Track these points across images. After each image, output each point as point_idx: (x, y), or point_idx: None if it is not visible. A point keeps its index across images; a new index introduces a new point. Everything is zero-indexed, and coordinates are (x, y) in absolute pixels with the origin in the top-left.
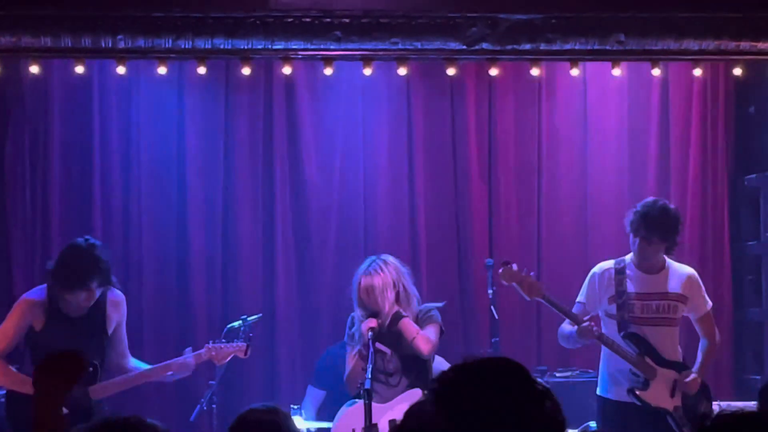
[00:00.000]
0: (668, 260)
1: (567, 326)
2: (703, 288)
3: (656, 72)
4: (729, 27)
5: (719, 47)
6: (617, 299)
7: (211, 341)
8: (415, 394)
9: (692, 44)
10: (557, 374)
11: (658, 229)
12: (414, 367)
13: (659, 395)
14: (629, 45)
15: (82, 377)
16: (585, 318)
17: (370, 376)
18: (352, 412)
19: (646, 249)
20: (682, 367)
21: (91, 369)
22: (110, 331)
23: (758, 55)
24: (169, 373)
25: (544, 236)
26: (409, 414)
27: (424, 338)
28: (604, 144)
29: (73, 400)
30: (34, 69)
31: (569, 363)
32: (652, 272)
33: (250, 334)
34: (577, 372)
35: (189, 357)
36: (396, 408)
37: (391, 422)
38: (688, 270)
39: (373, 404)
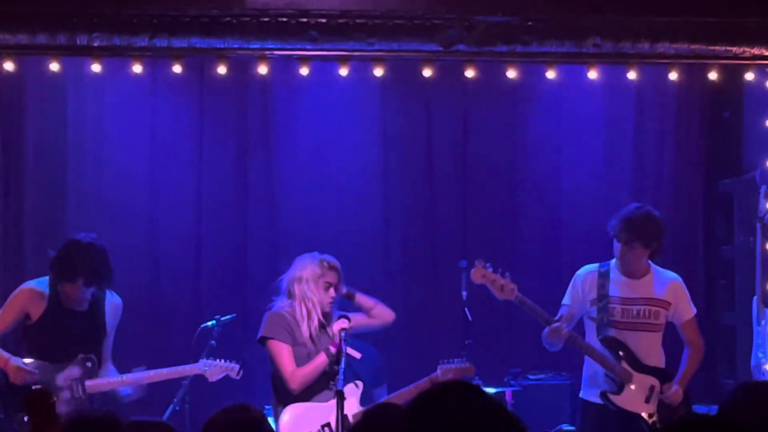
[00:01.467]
0: (653, 265)
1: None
2: (688, 294)
3: (632, 75)
4: (704, 31)
5: (694, 51)
6: (598, 302)
7: (205, 357)
8: (358, 388)
9: (668, 48)
10: (530, 376)
11: (639, 234)
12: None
13: (633, 400)
14: (605, 48)
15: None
16: (563, 323)
17: (342, 377)
18: (298, 417)
19: (628, 254)
20: (662, 374)
21: (89, 364)
22: (108, 330)
23: (733, 59)
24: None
25: (518, 238)
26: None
27: (383, 307)
28: (579, 147)
29: (71, 392)
30: (9, 66)
31: (543, 365)
32: (635, 277)
33: (244, 356)
34: (551, 374)
35: (186, 368)
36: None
37: (354, 416)
38: (672, 276)
39: (317, 404)
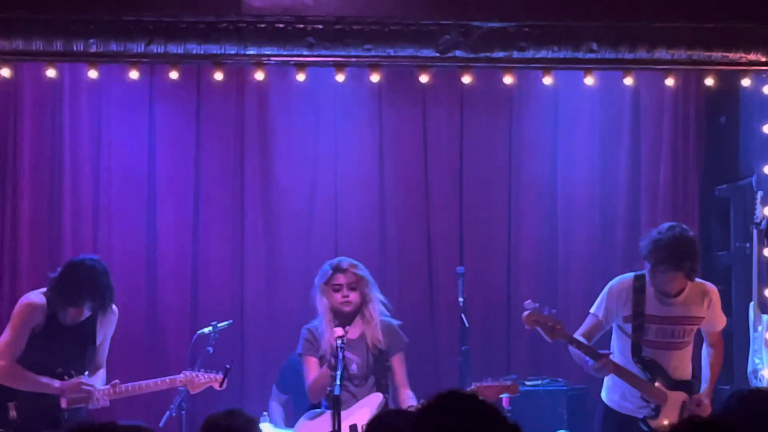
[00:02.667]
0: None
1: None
2: (720, 304)
3: (628, 81)
4: (701, 37)
5: (691, 57)
6: (633, 320)
7: (189, 369)
8: (375, 399)
9: (664, 54)
10: (527, 382)
11: (668, 258)
12: (377, 368)
13: (670, 420)
14: (602, 54)
15: None
16: (607, 355)
17: (339, 382)
18: (315, 424)
19: (658, 276)
20: (691, 387)
21: (66, 378)
22: (98, 342)
23: (730, 65)
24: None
25: (514, 244)
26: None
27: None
28: (575, 153)
29: (44, 408)
30: (5, 72)
31: (539, 371)
32: (670, 295)
33: (227, 366)
34: (547, 380)
35: (166, 380)
36: (357, 413)
37: (352, 427)
38: (708, 288)
39: (327, 414)
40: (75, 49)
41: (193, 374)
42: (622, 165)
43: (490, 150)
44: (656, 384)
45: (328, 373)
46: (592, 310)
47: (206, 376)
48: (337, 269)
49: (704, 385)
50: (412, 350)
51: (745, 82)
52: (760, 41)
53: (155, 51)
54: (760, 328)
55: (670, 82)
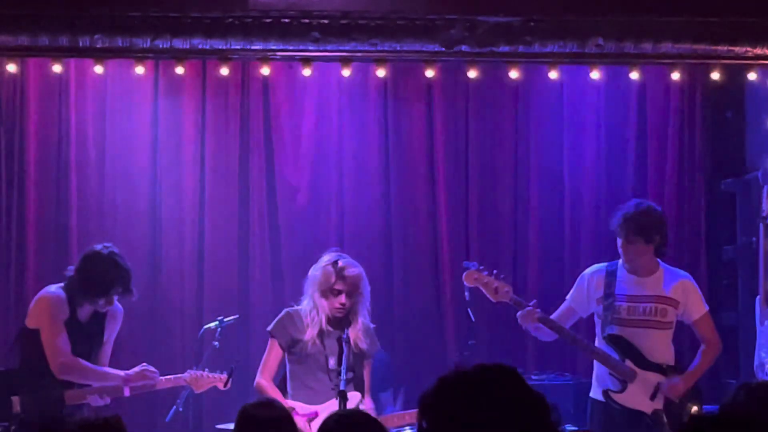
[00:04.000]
0: (663, 264)
1: None
2: (699, 293)
3: (634, 76)
4: (707, 31)
5: (697, 51)
6: (604, 300)
7: (194, 366)
8: (353, 398)
9: (670, 48)
10: (533, 377)
11: (638, 229)
12: (356, 366)
13: (636, 398)
14: (607, 48)
15: None
16: (532, 306)
17: (344, 377)
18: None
19: (630, 251)
20: (668, 370)
21: None
22: (104, 340)
23: (735, 59)
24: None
25: (521, 239)
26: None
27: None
28: (581, 147)
29: (48, 403)
30: (11, 68)
31: (545, 366)
32: (642, 275)
33: (232, 366)
34: (553, 375)
35: (171, 378)
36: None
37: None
38: (682, 274)
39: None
40: (81, 44)
41: (198, 373)
42: (628, 159)
43: (496, 145)
44: (626, 362)
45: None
46: (567, 296)
47: (211, 376)
48: (341, 275)
49: (690, 369)
50: (419, 345)
51: (751, 76)
52: (765, 35)
53: (161, 46)
54: (766, 322)
55: (675, 76)
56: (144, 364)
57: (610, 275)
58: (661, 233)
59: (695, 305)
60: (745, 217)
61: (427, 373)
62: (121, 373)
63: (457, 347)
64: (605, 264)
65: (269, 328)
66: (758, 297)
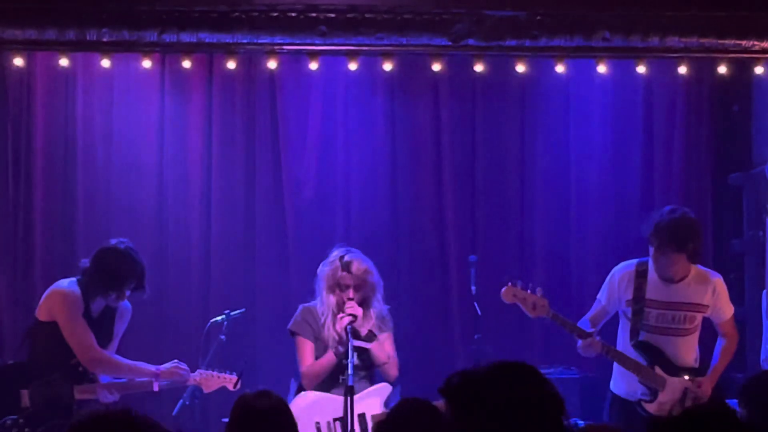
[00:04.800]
0: (692, 266)
1: None
2: (727, 294)
3: (641, 69)
4: (713, 25)
5: (704, 45)
6: (633, 304)
7: (204, 367)
8: (385, 390)
9: (677, 42)
10: (540, 371)
11: (671, 240)
12: (370, 362)
13: (667, 406)
14: (614, 42)
15: None
16: (596, 333)
17: (352, 372)
18: (310, 405)
19: (661, 259)
20: (695, 373)
21: (80, 369)
22: (113, 336)
23: (742, 53)
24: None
25: (527, 232)
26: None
27: (394, 363)
28: (587, 141)
29: (57, 397)
30: (18, 61)
31: (552, 360)
32: (673, 281)
33: (242, 367)
34: (560, 369)
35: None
36: (365, 402)
37: (360, 416)
38: (712, 278)
39: (335, 396)
40: (88, 38)
41: (208, 374)
42: (635, 153)
43: (502, 138)
44: (655, 369)
45: (335, 361)
46: (598, 296)
47: (221, 377)
48: (347, 270)
49: (710, 370)
50: (426, 339)
51: (758, 70)
52: None
53: (168, 40)
54: None
55: (682, 70)
56: (176, 360)
57: (641, 276)
58: (695, 242)
59: (724, 308)
60: (751, 210)
61: (433, 366)
62: (153, 368)
63: (463, 341)
64: (635, 262)
65: (290, 326)
66: (765, 290)
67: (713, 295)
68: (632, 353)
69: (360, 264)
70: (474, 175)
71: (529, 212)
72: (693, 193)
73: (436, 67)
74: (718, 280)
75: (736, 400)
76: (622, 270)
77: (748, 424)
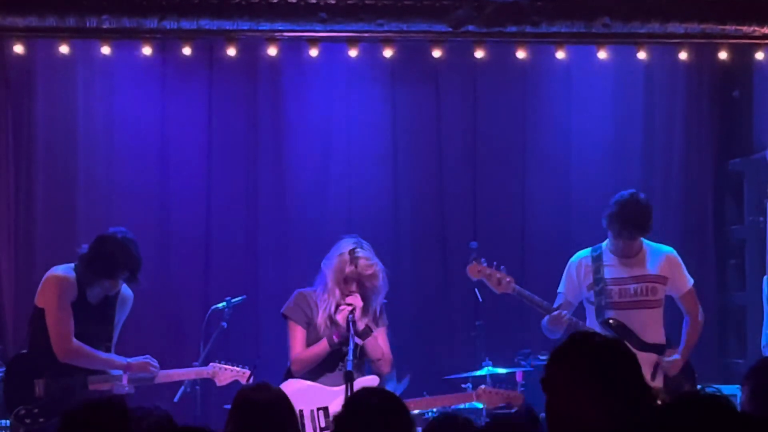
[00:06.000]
0: (645, 242)
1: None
2: (683, 266)
3: (641, 55)
4: (714, 11)
5: (704, 31)
6: (594, 286)
7: (216, 361)
8: (373, 381)
9: (677, 28)
10: (541, 357)
11: (632, 226)
12: (362, 354)
13: None
14: (615, 28)
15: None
16: (563, 310)
17: (351, 358)
18: (295, 393)
19: (621, 243)
20: (664, 349)
21: None
22: (114, 324)
23: (743, 38)
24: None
25: (528, 219)
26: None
27: (389, 361)
28: (588, 127)
29: (71, 387)
30: (18, 49)
31: (551, 347)
32: (629, 256)
33: (256, 362)
34: None
35: (193, 371)
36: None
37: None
38: (665, 249)
39: (320, 386)
40: (88, 25)
41: (221, 367)
42: (636, 140)
43: (503, 124)
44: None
45: (328, 350)
46: (558, 290)
47: (234, 370)
48: (355, 265)
49: (681, 346)
50: (426, 325)
51: (759, 55)
52: None
53: (168, 27)
54: None
55: (683, 56)
56: (148, 356)
57: (597, 260)
58: (650, 222)
59: (682, 279)
60: (752, 196)
61: (435, 354)
62: (124, 360)
63: (464, 327)
64: (588, 250)
65: (283, 310)
66: (765, 276)
67: (669, 266)
68: (601, 332)
69: (368, 263)
70: (475, 161)
71: (530, 198)
72: (693, 178)
73: (437, 53)
74: (672, 252)
75: (736, 386)
76: (578, 259)
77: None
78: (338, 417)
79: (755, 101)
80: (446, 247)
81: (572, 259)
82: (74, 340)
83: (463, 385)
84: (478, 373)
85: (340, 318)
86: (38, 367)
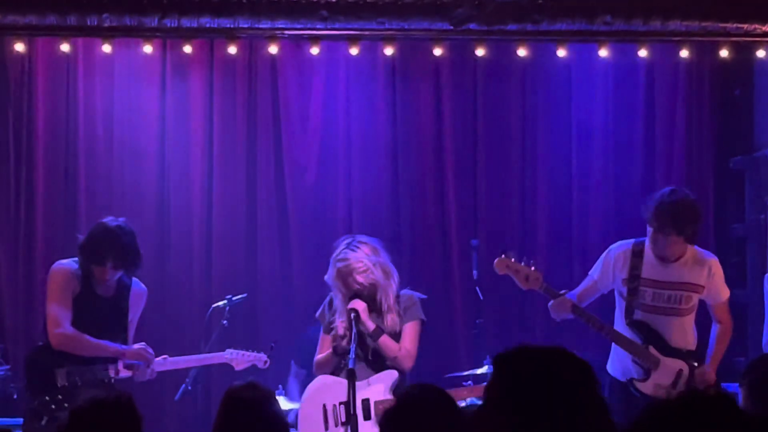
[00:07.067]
0: (690, 248)
1: None
2: (722, 276)
3: (643, 53)
4: (715, 8)
5: (705, 29)
6: (629, 283)
7: (232, 348)
8: (390, 376)
9: (679, 26)
10: None
11: (672, 222)
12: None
13: (659, 386)
14: (616, 26)
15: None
16: (588, 296)
17: (353, 356)
18: (322, 387)
19: (660, 240)
20: (691, 356)
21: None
22: (129, 319)
23: (744, 36)
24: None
25: (529, 217)
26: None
27: (407, 356)
28: (589, 125)
29: (93, 374)
30: (19, 47)
31: (554, 343)
32: (669, 260)
33: (272, 344)
34: None
35: (210, 356)
36: (370, 388)
37: (364, 401)
38: (708, 259)
39: (344, 381)
40: (88, 23)
41: (238, 353)
42: (637, 138)
43: (504, 123)
44: (649, 348)
45: (332, 360)
46: (590, 272)
47: (251, 356)
48: (336, 269)
49: (709, 357)
50: (427, 323)
51: (760, 53)
52: None
53: (169, 25)
54: None
55: (684, 54)
56: (143, 343)
57: (637, 256)
58: (695, 224)
59: (720, 290)
60: (753, 194)
61: (436, 352)
62: (119, 346)
63: (465, 325)
64: (632, 241)
65: (317, 314)
66: (766, 275)
67: (709, 275)
68: (627, 332)
69: (345, 263)
70: (475, 159)
71: (531, 196)
72: (694, 177)
73: (438, 51)
74: (714, 261)
75: (736, 384)
76: (619, 248)
77: (748, 407)
78: (388, 410)
79: (756, 99)
80: (447, 245)
81: (613, 246)
82: (67, 326)
83: (464, 383)
84: (479, 371)
85: (343, 326)
86: (57, 357)
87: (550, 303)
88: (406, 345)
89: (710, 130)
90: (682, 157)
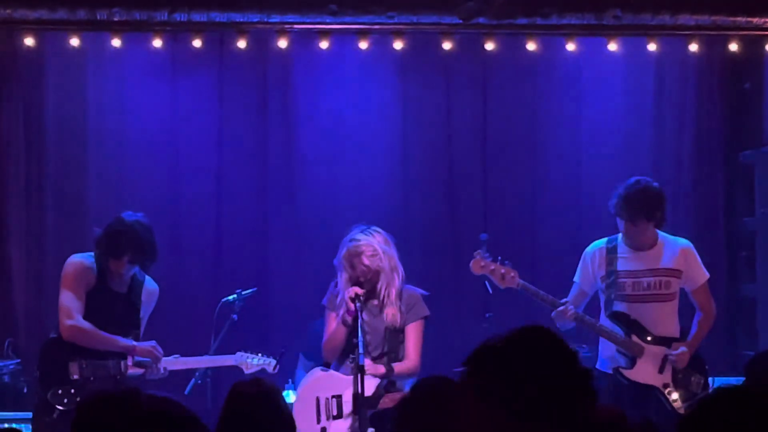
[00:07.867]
0: (661, 234)
1: None
2: (699, 260)
3: (652, 47)
4: (725, 2)
5: (715, 23)
6: (607, 278)
7: (243, 350)
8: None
9: (688, 19)
10: None
11: (640, 210)
12: (391, 343)
13: (646, 373)
14: (625, 20)
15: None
16: (570, 304)
17: (362, 351)
18: (315, 380)
19: (632, 229)
20: (673, 342)
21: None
22: (141, 315)
23: (754, 30)
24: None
25: (539, 212)
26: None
27: (416, 367)
28: (599, 119)
29: (106, 369)
30: (29, 41)
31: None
32: (643, 249)
33: (282, 350)
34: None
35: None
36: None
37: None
38: (681, 243)
39: (339, 374)
40: (98, 18)
41: (248, 356)
42: (647, 132)
43: (513, 116)
44: (632, 337)
45: (344, 330)
46: (574, 278)
47: (261, 359)
48: (349, 256)
49: (689, 338)
50: (437, 318)
51: None
52: None
53: (178, 19)
54: None
55: (693, 47)
56: (153, 341)
57: (611, 252)
58: (661, 209)
59: (697, 273)
60: (763, 188)
61: (444, 346)
62: (129, 341)
63: (474, 319)
64: (605, 240)
65: (324, 302)
66: None
67: (685, 260)
68: (609, 324)
69: (356, 244)
70: (485, 152)
71: (540, 191)
72: (704, 171)
73: (447, 45)
74: (689, 245)
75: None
76: (593, 248)
77: None
78: (403, 402)
79: (766, 93)
80: (456, 239)
81: (587, 248)
82: (78, 319)
83: None
84: None
85: (348, 299)
86: (71, 350)
87: (553, 313)
88: (411, 355)
89: (720, 123)
90: (692, 151)
